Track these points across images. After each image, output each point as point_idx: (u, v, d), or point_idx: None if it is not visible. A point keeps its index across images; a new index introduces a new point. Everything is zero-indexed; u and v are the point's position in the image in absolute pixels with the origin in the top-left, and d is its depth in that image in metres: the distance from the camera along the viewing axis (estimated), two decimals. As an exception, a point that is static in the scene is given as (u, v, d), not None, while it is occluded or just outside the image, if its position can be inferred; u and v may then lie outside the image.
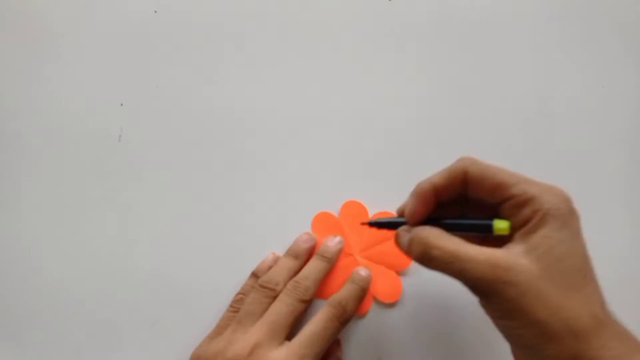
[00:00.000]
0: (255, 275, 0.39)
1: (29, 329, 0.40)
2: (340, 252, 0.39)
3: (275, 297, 0.35)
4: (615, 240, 0.41)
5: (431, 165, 0.40)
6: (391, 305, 0.39)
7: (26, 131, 0.43)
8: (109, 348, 0.40)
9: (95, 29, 0.44)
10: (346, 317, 0.35)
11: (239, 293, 0.38)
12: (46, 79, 0.44)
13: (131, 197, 0.42)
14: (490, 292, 0.26)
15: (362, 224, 0.35)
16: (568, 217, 0.26)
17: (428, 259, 0.28)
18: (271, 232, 0.41)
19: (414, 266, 0.39)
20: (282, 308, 0.34)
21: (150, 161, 0.42)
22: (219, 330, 0.36)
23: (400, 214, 0.32)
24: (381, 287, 0.39)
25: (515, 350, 0.29)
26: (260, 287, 0.36)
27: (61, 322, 0.40)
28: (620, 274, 0.40)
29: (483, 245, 0.27)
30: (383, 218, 0.33)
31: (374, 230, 0.35)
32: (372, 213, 0.40)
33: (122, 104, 0.43)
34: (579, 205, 0.39)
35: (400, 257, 0.38)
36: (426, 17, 0.43)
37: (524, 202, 0.27)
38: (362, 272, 0.38)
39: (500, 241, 0.28)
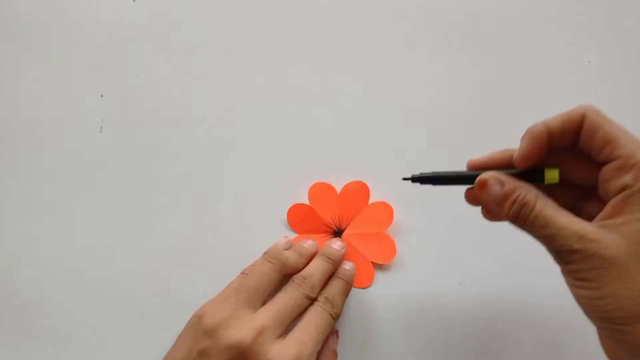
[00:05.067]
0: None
1: (18, 322, 0.40)
2: (343, 256, 0.38)
3: (284, 274, 0.35)
4: None
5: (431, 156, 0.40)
6: (385, 267, 0.39)
7: (5, 124, 0.43)
8: (98, 338, 0.39)
9: (74, 19, 0.44)
10: (336, 312, 0.35)
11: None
12: (25, 72, 0.44)
13: (114, 189, 0.42)
14: (574, 260, 0.26)
15: (405, 179, 0.32)
16: None
17: (523, 219, 0.28)
18: (260, 218, 0.40)
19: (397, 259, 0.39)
20: (290, 300, 0.34)
21: (132, 152, 0.42)
22: (227, 294, 0.34)
23: (474, 166, 0.31)
24: (376, 250, 0.39)
25: (599, 331, 0.28)
26: (266, 259, 0.35)
27: (49, 314, 0.39)
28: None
29: (581, 214, 0.27)
30: (446, 172, 0.31)
31: (369, 215, 0.39)
32: (340, 187, 0.40)
33: (102, 95, 0.43)
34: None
35: (383, 250, 0.39)
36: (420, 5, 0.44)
37: (628, 166, 0.25)
38: (347, 266, 0.38)
39: (597, 208, 0.27)
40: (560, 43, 0.42)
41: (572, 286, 0.27)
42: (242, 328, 0.31)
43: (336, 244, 0.37)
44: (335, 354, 0.36)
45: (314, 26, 0.44)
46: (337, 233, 0.40)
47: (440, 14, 0.43)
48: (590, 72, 0.42)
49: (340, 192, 0.40)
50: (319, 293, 0.35)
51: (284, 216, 0.40)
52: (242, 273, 0.36)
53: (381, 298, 0.39)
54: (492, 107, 0.42)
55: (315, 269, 0.36)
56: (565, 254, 0.26)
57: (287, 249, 0.37)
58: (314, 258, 0.37)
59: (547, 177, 0.28)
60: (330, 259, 0.37)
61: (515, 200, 0.28)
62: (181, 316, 0.34)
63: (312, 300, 0.35)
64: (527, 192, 0.28)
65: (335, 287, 0.36)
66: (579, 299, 0.27)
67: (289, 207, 0.40)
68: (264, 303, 0.34)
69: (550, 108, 0.41)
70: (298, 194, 0.41)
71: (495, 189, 0.29)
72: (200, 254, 0.40)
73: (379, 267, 0.39)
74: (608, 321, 0.26)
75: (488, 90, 0.42)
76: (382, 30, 0.43)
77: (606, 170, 0.27)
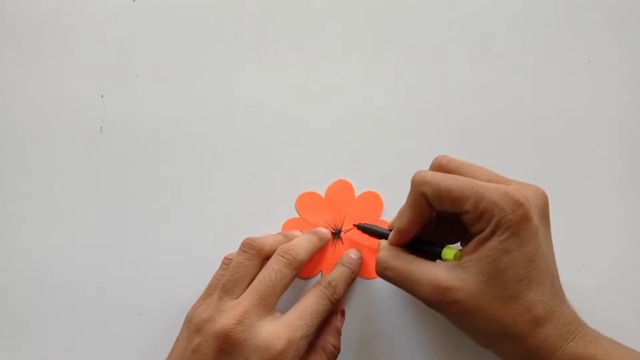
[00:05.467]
0: None
1: (17, 323, 0.40)
2: (359, 264, 0.38)
3: (260, 260, 0.35)
4: (605, 218, 0.39)
5: (417, 146, 0.40)
6: (371, 287, 0.39)
7: (5, 124, 0.43)
8: (98, 339, 0.39)
9: (74, 19, 0.44)
10: (336, 297, 0.35)
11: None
12: (24, 71, 0.44)
13: (114, 189, 0.42)
14: (436, 308, 0.30)
15: (354, 225, 0.38)
16: (518, 225, 0.28)
17: (385, 278, 0.32)
18: (258, 218, 0.40)
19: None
20: (271, 275, 0.33)
21: (132, 152, 0.42)
22: (209, 291, 0.35)
23: (391, 228, 0.35)
24: (364, 265, 0.39)
25: None
26: (240, 249, 0.35)
27: (48, 315, 0.40)
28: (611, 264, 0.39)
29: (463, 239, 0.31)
30: (371, 225, 0.37)
31: (359, 208, 0.40)
32: (359, 192, 0.40)
33: (102, 95, 0.43)
34: (566, 183, 0.40)
35: (372, 212, 0.40)
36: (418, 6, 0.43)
37: (477, 216, 0.29)
38: (353, 254, 0.38)
39: (468, 239, 0.30)
40: (560, 43, 0.42)
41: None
42: (226, 316, 0.31)
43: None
44: (339, 332, 0.36)
45: (313, 27, 0.44)
46: (336, 234, 0.40)
47: (439, 14, 0.43)
48: (590, 72, 0.42)
49: (326, 195, 0.40)
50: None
51: (283, 221, 0.40)
52: (223, 263, 0.37)
53: (382, 296, 0.39)
54: (491, 107, 0.42)
55: (301, 240, 0.36)
56: (428, 304, 0.30)
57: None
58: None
59: (443, 257, 0.31)
60: (318, 235, 0.38)
61: (377, 262, 0.33)
62: (181, 316, 0.35)
63: (296, 270, 0.34)
64: (386, 254, 0.32)
65: (339, 272, 0.36)
66: (462, 333, 0.31)
67: (284, 221, 0.40)
68: None
69: (550, 108, 0.41)
70: (296, 197, 0.41)
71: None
72: (200, 254, 0.40)
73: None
74: (483, 345, 0.31)
75: (488, 90, 0.42)
76: (380, 32, 0.43)
77: (464, 219, 0.30)
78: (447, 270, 0.29)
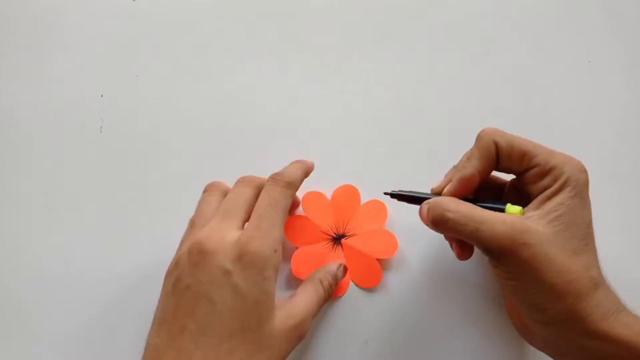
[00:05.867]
0: None
1: (16, 323, 0.40)
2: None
3: (256, 189, 0.34)
4: (603, 211, 0.39)
5: (423, 153, 0.40)
6: (371, 290, 0.39)
7: (5, 124, 0.43)
8: (98, 338, 0.39)
9: (74, 18, 0.44)
10: (287, 180, 0.33)
11: None
12: (24, 71, 0.44)
13: (114, 189, 0.42)
14: (505, 252, 0.28)
15: (385, 193, 0.35)
16: (582, 187, 0.29)
17: (444, 221, 0.30)
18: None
19: (399, 255, 0.39)
20: (235, 196, 0.34)
21: (132, 152, 0.42)
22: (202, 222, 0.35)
23: (436, 192, 0.33)
24: (361, 273, 0.39)
25: (520, 308, 0.31)
26: (239, 181, 0.35)
27: (49, 314, 0.40)
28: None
29: None
30: (407, 190, 0.34)
31: (364, 216, 0.39)
32: (365, 200, 0.40)
33: (102, 95, 0.43)
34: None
35: (385, 245, 0.39)
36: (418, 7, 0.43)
37: (546, 171, 0.30)
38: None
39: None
40: (560, 43, 0.42)
41: (502, 278, 0.30)
42: (197, 235, 0.32)
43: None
44: (335, 278, 0.36)
45: (313, 27, 0.44)
46: (337, 239, 0.39)
47: (439, 14, 0.43)
48: (590, 72, 0.42)
49: (332, 198, 0.40)
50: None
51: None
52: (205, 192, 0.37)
53: (382, 295, 0.39)
54: (491, 107, 0.42)
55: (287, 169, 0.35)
56: (496, 247, 0.28)
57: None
58: None
59: (508, 212, 0.30)
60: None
61: (432, 206, 0.30)
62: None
63: (257, 190, 0.34)
64: (444, 198, 0.31)
65: (287, 166, 0.35)
66: (510, 288, 0.30)
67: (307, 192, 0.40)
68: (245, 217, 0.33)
69: (550, 108, 0.41)
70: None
71: (423, 209, 0.32)
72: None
73: (382, 265, 0.39)
74: (533, 304, 0.29)
75: (488, 90, 0.42)
76: (380, 32, 0.43)
77: (528, 176, 0.30)
78: (518, 215, 0.29)
